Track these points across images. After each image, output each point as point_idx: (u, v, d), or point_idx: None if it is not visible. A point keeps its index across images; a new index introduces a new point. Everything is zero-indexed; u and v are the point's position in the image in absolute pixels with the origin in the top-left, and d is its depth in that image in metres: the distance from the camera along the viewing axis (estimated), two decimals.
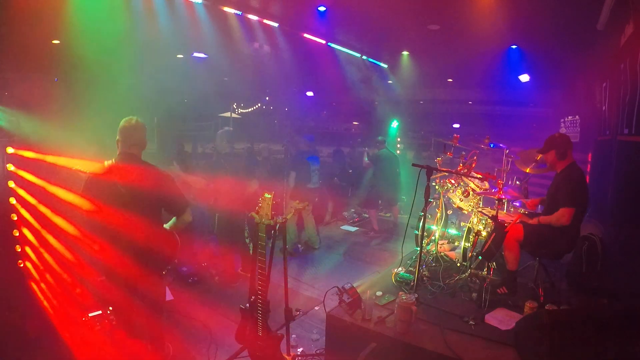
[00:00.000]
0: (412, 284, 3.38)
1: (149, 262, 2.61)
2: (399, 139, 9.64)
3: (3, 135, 3.53)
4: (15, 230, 3.76)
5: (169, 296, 3.99)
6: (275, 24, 5.98)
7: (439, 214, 4.30)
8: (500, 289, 3.25)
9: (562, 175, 3.27)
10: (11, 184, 3.64)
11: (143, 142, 2.67)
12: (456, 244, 4.47)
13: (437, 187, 4.32)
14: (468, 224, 4.08)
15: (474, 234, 3.88)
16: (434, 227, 4.30)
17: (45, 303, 3.60)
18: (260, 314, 2.69)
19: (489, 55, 6.63)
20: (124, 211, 2.48)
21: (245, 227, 4.90)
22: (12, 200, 3.67)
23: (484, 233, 3.83)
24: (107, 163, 2.58)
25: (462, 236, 4.03)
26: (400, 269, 3.69)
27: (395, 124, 9.41)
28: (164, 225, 2.79)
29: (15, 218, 3.72)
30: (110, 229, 2.49)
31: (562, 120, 6.39)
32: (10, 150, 3.58)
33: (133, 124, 2.60)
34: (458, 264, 3.90)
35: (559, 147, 3.24)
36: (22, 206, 3.69)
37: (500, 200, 3.51)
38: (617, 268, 3.44)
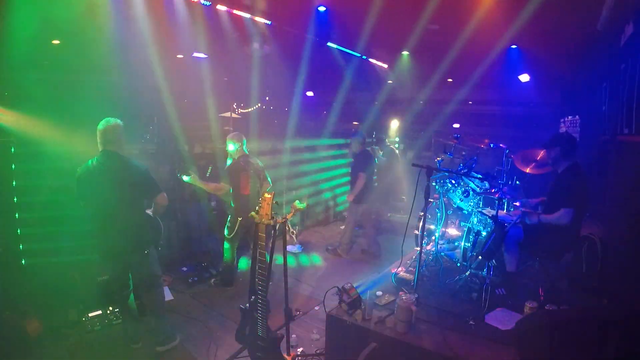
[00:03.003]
0: (412, 284, 3.38)
1: (137, 241, 3.06)
2: (397, 139, 9.66)
3: (6, 135, 3.54)
4: (18, 229, 3.77)
5: (168, 296, 3.99)
6: (275, 24, 5.99)
7: (439, 214, 4.30)
8: (499, 289, 3.26)
9: (564, 175, 3.27)
10: (15, 183, 3.66)
11: (119, 140, 2.97)
12: (456, 244, 4.48)
13: (437, 187, 4.32)
14: (468, 224, 4.08)
15: (474, 234, 3.88)
16: (434, 227, 4.30)
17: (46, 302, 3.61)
18: (260, 314, 2.70)
19: (489, 55, 6.64)
20: (112, 200, 2.90)
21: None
22: (15, 199, 3.69)
23: (484, 233, 3.83)
24: (91, 161, 2.90)
25: (462, 236, 4.03)
26: (400, 269, 3.69)
27: (395, 123, 9.41)
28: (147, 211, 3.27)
29: (18, 216, 3.74)
30: (102, 216, 2.96)
31: (562, 120, 6.39)
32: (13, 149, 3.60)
33: (110, 125, 2.93)
34: (458, 264, 3.91)
35: (564, 145, 3.25)
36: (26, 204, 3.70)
37: (500, 200, 3.51)
38: (617, 268, 3.44)
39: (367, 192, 5.44)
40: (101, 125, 2.92)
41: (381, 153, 7.00)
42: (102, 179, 2.87)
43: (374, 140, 7.57)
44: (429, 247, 4.25)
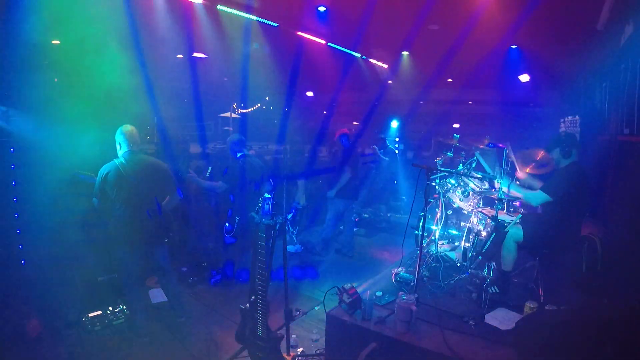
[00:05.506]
0: (412, 284, 3.38)
1: (161, 230, 3.37)
2: (397, 139, 9.68)
3: (5, 136, 3.54)
4: (17, 230, 3.76)
5: (165, 297, 3.99)
6: (275, 24, 5.98)
7: (439, 214, 4.29)
8: (492, 287, 3.25)
9: (561, 170, 3.27)
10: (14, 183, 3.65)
11: (137, 141, 3.40)
12: (456, 244, 4.47)
13: (437, 187, 4.32)
14: (468, 224, 4.08)
15: (474, 234, 3.88)
16: (434, 227, 4.30)
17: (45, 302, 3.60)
18: (260, 314, 2.69)
19: (489, 55, 6.63)
20: (142, 192, 3.24)
21: None
22: (14, 199, 3.68)
23: (484, 233, 3.83)
24: (117, 161, 3.24)
25: (462, 236, 4.03)
26: (400, 269, 3.69)
27: (395, 123, 9.41)
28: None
29: (17, 216, 3.73)
30: (132, 207, 3.24)
31: (562, 120, 6.38)
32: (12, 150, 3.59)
33: (134, 129, 3.36)
34: (458, 264, 3.90)
35: (563, 145, 3.25)
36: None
37: (500, 200, 3.51)
38: (617, 268, 3.44)
39: (349, 189, 5.50)
40: (124, 129, 3.32)
41: (381, 152, 7.02)
42: (133, 174, 3.22)
43: (379, 139, 7.59)
44: (429, 247, 4.25)
